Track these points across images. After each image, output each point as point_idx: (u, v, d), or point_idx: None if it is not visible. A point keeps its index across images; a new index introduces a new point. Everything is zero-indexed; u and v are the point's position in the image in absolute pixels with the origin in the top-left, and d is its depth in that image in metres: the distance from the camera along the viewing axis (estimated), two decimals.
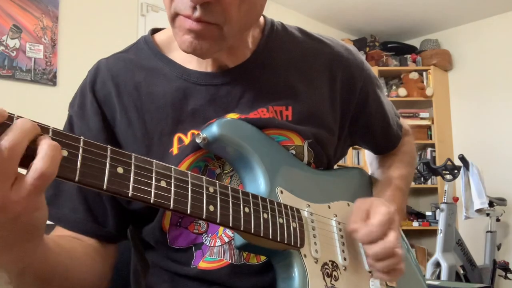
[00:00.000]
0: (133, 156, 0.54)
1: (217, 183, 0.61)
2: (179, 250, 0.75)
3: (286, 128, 0.77)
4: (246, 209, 0.63)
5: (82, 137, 0.50)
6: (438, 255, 3.49)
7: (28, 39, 2.90)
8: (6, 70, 2.80)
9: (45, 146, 0.45)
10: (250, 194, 0.64)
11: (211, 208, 0.59)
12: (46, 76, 2.95)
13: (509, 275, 4.03)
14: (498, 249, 4.11)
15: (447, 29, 4.96)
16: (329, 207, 0.78)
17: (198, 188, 0.58)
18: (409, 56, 4.92)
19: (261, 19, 0.84)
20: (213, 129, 0.69)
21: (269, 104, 0.77)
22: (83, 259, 0.71)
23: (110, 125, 0.76)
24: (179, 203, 0.56)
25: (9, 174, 0.44)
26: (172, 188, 0.56)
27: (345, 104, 0.85)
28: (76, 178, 0.48)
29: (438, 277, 3.41)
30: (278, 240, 0.66)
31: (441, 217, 3.63)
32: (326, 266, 0.71)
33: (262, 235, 0.64)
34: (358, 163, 4.58)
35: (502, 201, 4.10)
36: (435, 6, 4.44)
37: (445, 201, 3.68)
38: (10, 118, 0.45)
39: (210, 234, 0.74)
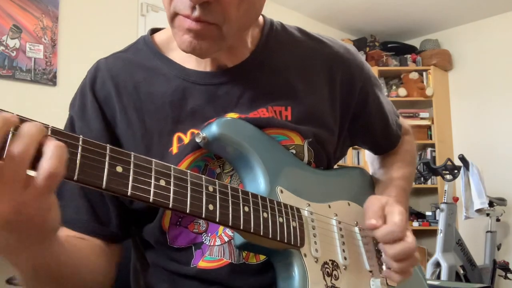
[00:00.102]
0: (132, 155, 0.54)
1: (216, 182, 0.61)
2: (178, 250, 0.75)
3: (286, 128, 0.77)
4: (246, 208, 0.63)
5: (81, 136, 0.50)
6: (438, 255, 3.49)
7: (28, 39, 2.90)
8: (6, 70, 2.80)
9: (52, 146, 0.46)
10: (249, 193, 0.64)
11: (211, 207, 0.59)
12: (46, 76, 2.95)
13: (509, 275, 4.02)
14: (498, 249, 4.11)
15: (447, 29, 4.96)
16: (329, 207, 0.78)
17: (197, 187, 0.58)
18: (409, 56, 4.92)
19: (260, 19, 0.84)
20: (213, 128, 0.69)
21: (268, 104, 0.77)
22: (91, 258, 0.71)
23: (110, 126, 0.76)
24: (178, 202, 0.56)
25: (20, 178, 0.45)
26: (172, 187, 0.56)
27: (344, 104, 0.85)
28: (75, 177, 0.48)
29: (438, 277, 3.41)
30: (278, 239, 0.66)
31: (441, 217, 3.63)
32: (326, 266, 0.71)
33: (261, 234, 0.64)
34: (358, 163, 4.58)
35: (502, 201, 4.10)
36: (435, 6, 4.44)
37: (445, 201, 3.68)
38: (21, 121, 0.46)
39: (209, 234, 0.74)
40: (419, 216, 4.65)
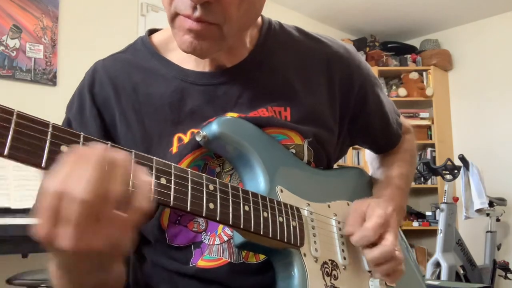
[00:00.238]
0: (133, 152, 0.54)
1: (217, 181, 0.61)
2: (178, 248, 0.75)
3: (286, 127, 0.77)
4: (246, 207, 0.63)
5: (82, 133, 0.50)
6: (438, 255, 3.49)
7: (28, 39, 2.90)
8: (6, 70, 2.80)
9: (143, 184, 0.50)
10: (250, 193, 0.64)
11: (211, 205, 0.59)
12: (46, 76, 2.95)
13: (509, 275, 4.03)
14: (498, 249, 4.11)
15: (447, 29, 4.96)
16: (328, 207, 0.78)
17: (198, 185, 0.58)
18: (409, 56, 4.92)
19: (259, 18, 0.84)
20: (213, 127, 0.69)
21: (268, 105, 0.77)
22: None
23: (109, 130, 0.77)
24: (179, 200, 0.56)
25: (115, 218, 0.48)
26: (172, 186, 0.56)
27: (344, 104, 0.85)
28: None
29: (438, 277, 3.41)
30: (278, 238, 0.66)
31: (441, 217, 3.63)
32: (325, 265, 0.71)
33: (262, 233, 0.64)
34: (358, 163, 4.58)
35: (502, 201, 4.10)
36: (435, 6, 4.44)
37: (445, 201, 3.68)
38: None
39: (209, 233, 0.74)
40: (419, 216, 4.65)
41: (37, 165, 0.46)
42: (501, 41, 4.57)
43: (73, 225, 0.45)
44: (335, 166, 0.90)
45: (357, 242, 0.73)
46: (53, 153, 0.47)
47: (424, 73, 4.80)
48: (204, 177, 0.60)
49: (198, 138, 0.69)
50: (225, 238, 0.73)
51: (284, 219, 0.67)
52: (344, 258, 0.74)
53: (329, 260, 0.72)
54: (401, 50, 4.99)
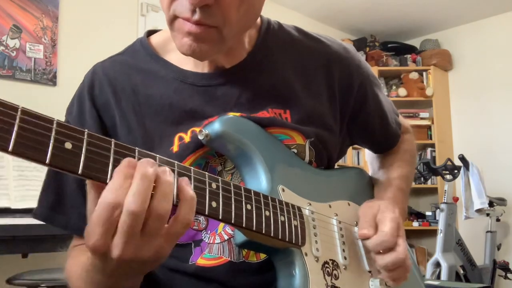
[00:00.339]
0: (136, 150, 0.54)
1: (219, 180, 0.61)
2: (177, 246, 0.74)
3: (289, 127, 0.77)
4: (248, 206, 0.63)
5: (86, 130, 0.50)
6: (438, 255, 3.50)
7: (28, 39, 2.90)
8: (6, 70, 2.80)
9: (189, 198, 0.53)
10: (252, 191, 0.64)
11: (214, 204, 0.59)
12: (46, 76, 2.95)
13: (509, 275, 4.03)
14: (498, 249, 4.11)
15: (447, 29, 4.97)
16: (330, 206, 0.78)
17: (201, 183, 0.58)
18: (409, 56, 4.93)
19: (258, 18, 0.84)
20: (216, 125, 0.69)
21: (268, 107, 0.77)
22: None
23: (110, 132, 0.77)
24: None
25: (162, 231, 0.52)
26: (175, 183, 0.56)
27: (344, 103, 0.85)
28: (80, 171, 0.48)
29: (438, 277, 3.41)
30: (280, 237, 0.65)
31: (441, 217, 3.63)
32: (326, 265, 0.71)
33: (263, 232, 0.63)
34: (358, 163, 4.58)
35: (502, 201, 4.10)
36: (435, 6, 4.44)
37: (445, 201, 3.68)
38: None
39: (209, 231, 0.74)
40: (419, 216, 4.65)
41: (42, 161, 0.46)
42: (501, 41, 4.58)
43: (124, 235, 0.49)
44: (335, 165, 0.90)
45: (375, 247, 0.72)
46: (57, 150, 0.47)
47: (424, 73, 4.80)
48: (206, 175, 0.60)
49: (200, 137, 0.69)
50: (226, 237, 0.73)
51: (286, 218, 0.67)
52: (345, 258, 0.74)
53: (330, 259, 0.72)
54: (401, 50, 5.00)
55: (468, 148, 4.51)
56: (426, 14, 4.61)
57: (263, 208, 0.64)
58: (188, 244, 0.74)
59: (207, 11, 0.64)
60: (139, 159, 0.54)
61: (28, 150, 0.45)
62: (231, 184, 0.62)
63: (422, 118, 4.77)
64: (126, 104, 0.77)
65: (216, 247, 0.73)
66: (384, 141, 0.97)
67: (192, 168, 0.59)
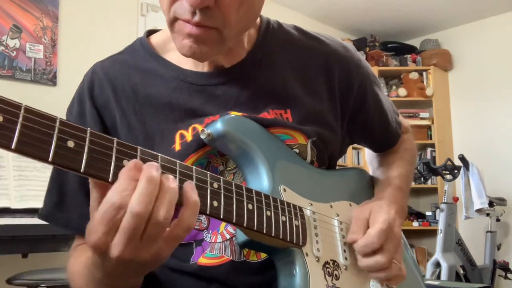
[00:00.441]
0: (139, 149, 0.54)
1: (221, 179, 0.61)
2: (179, 246, 0.74)
3: (290, 127, 0.77)
4: (250, 206, 0.62)
5: (88, 129, 0.50)
6: (438, 255, 3.50)
7: (28, 39, 2.90)
8: (6, 70, 2.80)
9: (192, 203, 0.53)
10: (253, 191, 0.64)
11: (215, 203, 0.59)
12: (46, 76, 2.95)
13: (509, 275, 4.03)
14: (498, 249, 4.11)
15: (447, 29, 4.97)
16: (331, 207, 0.78)
17: (202, 183, 0.58)
18: (409, 56, 4.93)
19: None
20: (218, 125, 0.69)
21: (268, 107, 0.77)
22: None
23: (110, 132, 0.77)
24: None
25: (163, 235, 0.53)
26: (177, 183, 0.56)
27: (344, 102, 0.85)
28: (82, 170, 0.48)
29: (438, 277, 3.41)
30: (281, 237, 0.65)
31: (441, 217, 3.63)
32: (327, 265, 0.71)
33: (264, 232, 0.63)
34: (358, 163, 4.58)
35: (502, 201, 4.10)
36: (435, 6, 4.44)
37: (445, 201, 3.69)
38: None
39: (211, 231, 0.74)
40: (419, 216, 4.65)
41: (44, 159, 0.46)
42: (501, 41, 4.58)
43: (125, 236, 0.50)
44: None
45: (360, 250, 0.72)
46: (60, 148, 0.47)
47: (424, 73, 4.80)
48: (208, 174, 0.60)
49: (202, 136, 0.69)
50: (227, 236, 0.73)
51: (287, 218, 0.67)
52: (346, 259, 0.74)
53: (331, 260, 0.72)
54: (401, 50, 5.00)
55: (468, 148, 4.51)
56: (426, 14, 4.61)
57: (264, 208, 0.64)
58: (190, 244, 0.74)
59: (207, 12, 0.64)
60: (141, 158, 0.54)
61: (31, 148, 0.45)
62: (233, 183, 0.62)
63: (422, 118, 4.77)
64: (126, 103, 0.77)
65: (218, 246, 0.73)
66: (384, 140, 0.97)
67: (194, 167, 0.59)
